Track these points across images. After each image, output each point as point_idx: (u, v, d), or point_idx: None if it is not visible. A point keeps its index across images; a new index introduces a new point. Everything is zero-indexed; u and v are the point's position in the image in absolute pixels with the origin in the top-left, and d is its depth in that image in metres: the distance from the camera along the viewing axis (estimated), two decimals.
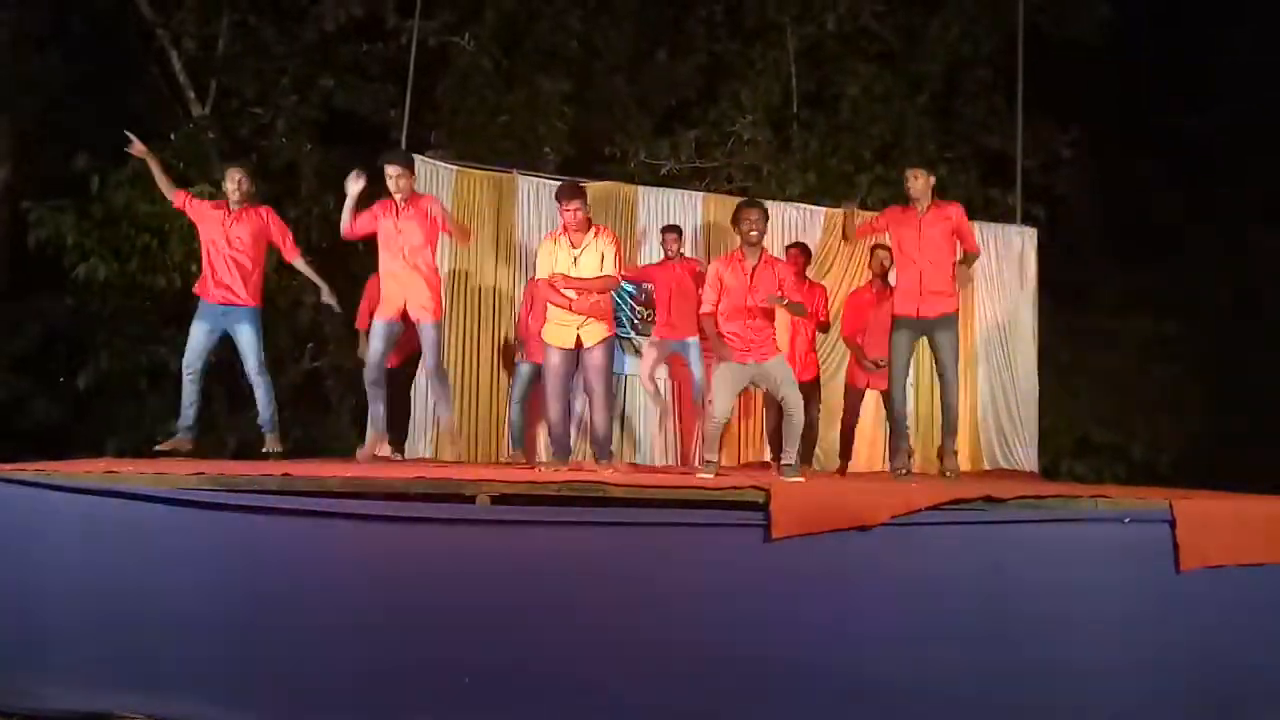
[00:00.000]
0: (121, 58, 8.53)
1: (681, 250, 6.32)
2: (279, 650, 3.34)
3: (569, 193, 4.76)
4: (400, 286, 4.86)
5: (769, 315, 4.81)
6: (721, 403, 4.82)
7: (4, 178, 8.26)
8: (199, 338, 4.94)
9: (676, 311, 6.13)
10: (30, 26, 8.21)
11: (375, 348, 4.91)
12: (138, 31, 8.44)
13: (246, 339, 4.93)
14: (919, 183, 5.09)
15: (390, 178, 4.79)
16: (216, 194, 7.29)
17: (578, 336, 4.78)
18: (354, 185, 4.78)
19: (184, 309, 7.20)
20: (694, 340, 6.09)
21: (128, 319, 7.73)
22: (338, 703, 3.29)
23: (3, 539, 3.47)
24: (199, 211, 5.01)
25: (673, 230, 6.32)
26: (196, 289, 5.02)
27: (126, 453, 7.06)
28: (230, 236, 4.92)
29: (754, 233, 4.69)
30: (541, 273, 4.85)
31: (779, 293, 4.70)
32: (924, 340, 5.23)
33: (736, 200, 5.50)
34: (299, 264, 5.21)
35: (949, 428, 5.22)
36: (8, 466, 3.57)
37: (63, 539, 3.45)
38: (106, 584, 3.41)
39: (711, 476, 4.65)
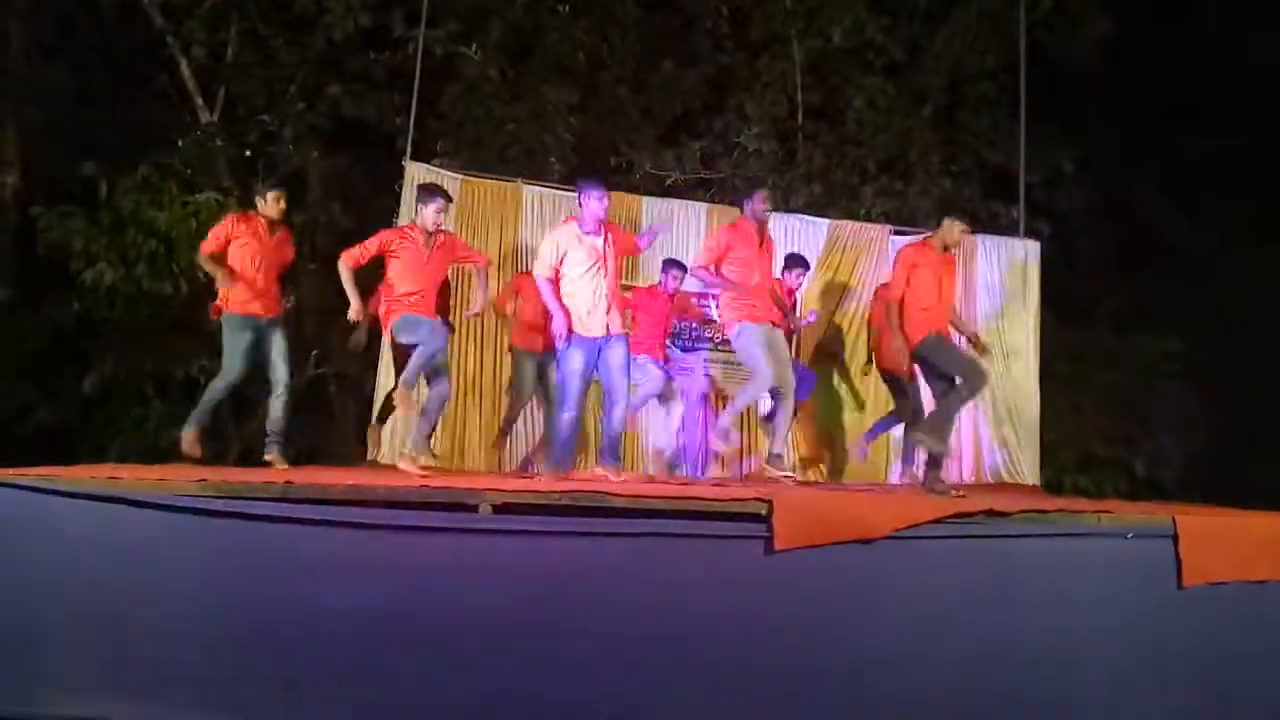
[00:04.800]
0: (131, 65, 8.59)
1: (680, 286, 6.16)
2: (280, 660, 3.33)
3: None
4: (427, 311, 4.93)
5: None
6: (771, 362, 4.99)
7: (13, 183, 8.28)
8: (245, 348, 4.98)
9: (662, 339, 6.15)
10: (40, 33, 8.26)
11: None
12: (147, 39, 8.49)
13: (280, 348, 5.09)
14: (958, 234, 5.07)
15: (440, 211, 4.89)
16: (222, 202, 7.38)
17: (606, 324, 4.78)
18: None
19: (190, 315, 7.25)
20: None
21: (134, 325, 7.75)
22: (338, 714, 3.28)
23: (5, 543, 3.46)
24: (237, 234, 5.02)
25: (677, 265, 6.14)
26: (235, 307, 4.97)
27: (130, 458, 7.08)
28: (277, 251, 5.16)
29: (766, 211, 5.23)
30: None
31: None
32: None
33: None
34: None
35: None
36: (11, 471, 3.57)
37: (65, 544, 3.45)
38: (108, 590, 3.40)
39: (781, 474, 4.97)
